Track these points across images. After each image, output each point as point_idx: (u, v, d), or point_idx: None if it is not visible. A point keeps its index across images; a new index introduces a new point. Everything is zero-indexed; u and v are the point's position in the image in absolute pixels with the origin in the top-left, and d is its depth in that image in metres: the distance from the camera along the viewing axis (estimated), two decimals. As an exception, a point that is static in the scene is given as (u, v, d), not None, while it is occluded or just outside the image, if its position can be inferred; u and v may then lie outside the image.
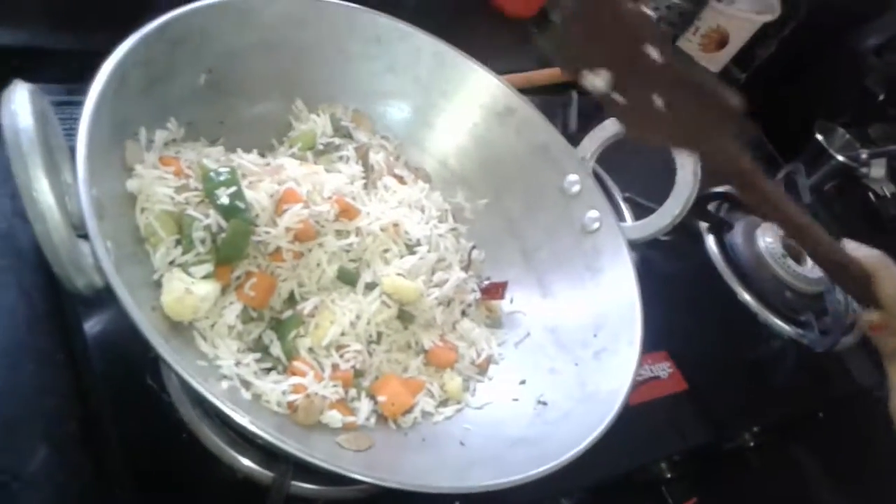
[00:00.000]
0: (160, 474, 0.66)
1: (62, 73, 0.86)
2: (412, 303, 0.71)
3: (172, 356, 0.49)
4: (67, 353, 0.70)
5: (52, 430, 0.66)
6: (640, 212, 1.13)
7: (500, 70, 1.10)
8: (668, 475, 0.96)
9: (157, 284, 0.61)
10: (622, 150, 0.98)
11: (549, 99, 1.27)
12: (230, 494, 0.68)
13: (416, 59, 0.83)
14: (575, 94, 1.26)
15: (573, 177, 0.82)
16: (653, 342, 1.02)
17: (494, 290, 0.79)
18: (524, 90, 1.23)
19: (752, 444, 1.09)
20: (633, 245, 0.80)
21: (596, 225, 0.80)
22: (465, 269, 0.78)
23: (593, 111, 1.25)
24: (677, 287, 1.15)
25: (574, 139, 1.17)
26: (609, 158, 1.01)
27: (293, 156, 0.75)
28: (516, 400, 0.72)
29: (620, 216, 1.12)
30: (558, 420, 0.68)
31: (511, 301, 0.81)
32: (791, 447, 1.14)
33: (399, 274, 0.70)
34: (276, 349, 0.65)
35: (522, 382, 0.74)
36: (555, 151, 0.83)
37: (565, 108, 1.24)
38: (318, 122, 0.77)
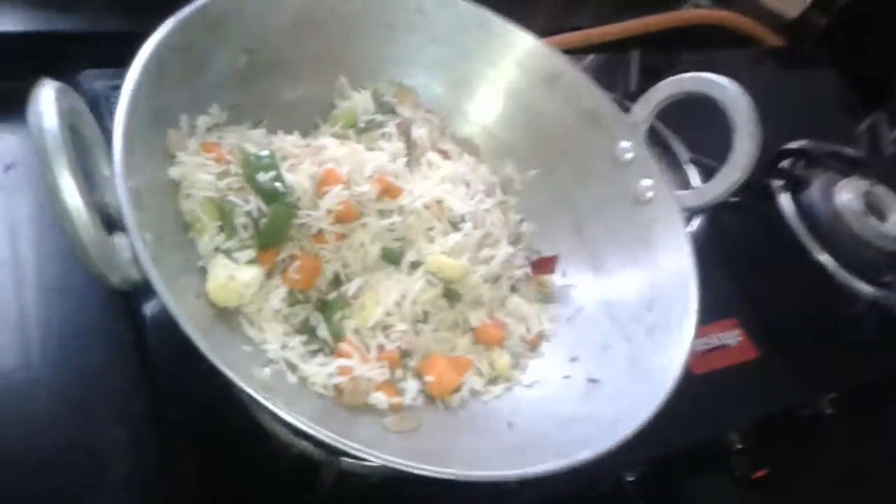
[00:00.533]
0: (218, 452, 0.67)
1: (119, 56, 0.88)
2: (458, 281, 0.70)
3: (208, 347, 0.49)
4: (135, 333, 0.73)
5: (124, 409, 0.69)
6: (709, 175, 1.09)
7: (555, 29, 1.07)
8: (738, 446, 0.93)
9: (203, 271, 0.62)
10: (690, 108, 0.94)
11: (609, 57, 1.24)
12: (286, 470, 0.69)
13: (460, 29, 0.81)
14: (636, 53, 1.21)
15: (625, 143, 0.79)
16: (721, 309, 1.00)
17: (545, 265, 0.77)
18: (583, 49, 1.21)
19: (828, 411, 1.04)
20: (698, 210, 0.76)
21: (649, 194, 0.77)
22: (514, 243, 0.76)
23: (656, 69, 1.21)
24: (749, 249, 1.11)
25: (637, 99, 1.14)
26: (675, 118, 0.98)
27: (335, 135, 0.75)
28: (567, 377, 0.70)
29: (686, 181, 1.08)
30: (610, 398, 0.66)
31: (563, 275, 0.79)
32: (872, 414, 1.08)
33: (443, 252, 0.69)
34: (322, 331, 0.65)
35: (574, 359, 0.72)
36: (605, 117, 0.80)
37: (626, 67, 1.20)
38: (358, 99, 0.76)
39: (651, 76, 1.20)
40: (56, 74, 0.82)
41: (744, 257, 1.08)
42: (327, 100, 0.79)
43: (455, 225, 0.72)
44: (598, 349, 0.72)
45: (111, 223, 0.53)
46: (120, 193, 0.52)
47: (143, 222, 0.54)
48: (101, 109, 0.81)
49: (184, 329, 0.50)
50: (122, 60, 0.87)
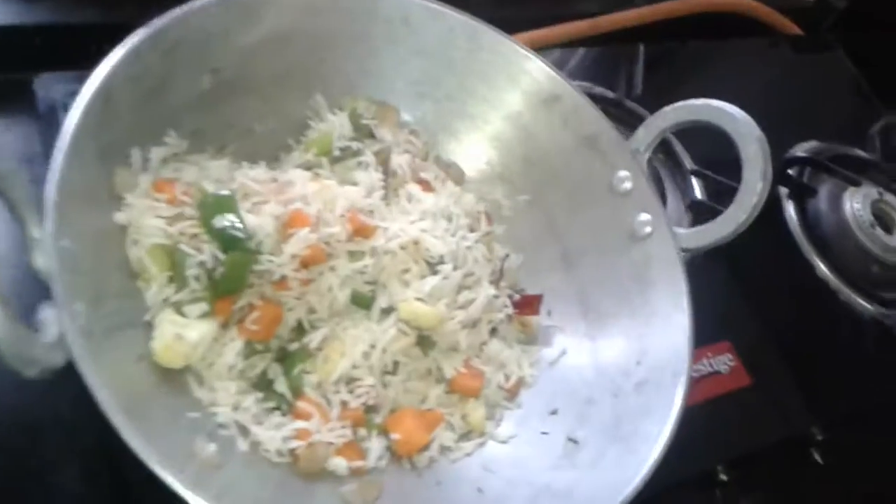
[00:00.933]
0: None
1: (85, 52, 0.82)
2: (433, 329, 0.65)
3: (139, 441, 0.45)
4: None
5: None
6: (711, 189, 1.03)
7: (559, 16, 0.99)
8: (722, 477, 0.89)
9: (149, 326, 0.57)
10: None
11: (612, 50, 1.16)
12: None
13: (450, 41, 0.75)
14: (642, 46, 1.14)
15: (624, 173, 0.73)
16: (714, 331, 0.95)
17: (529, 305, 0.72)
18: (585, 40, 1.13)
19: (819, 437, 1.00)
20: (699, 251, 0.71)
21: (647, 230, 0.71)
22: (497, 282, 0.71)
23: (663, 67, 1.14)
24: (747, 263, 1.05)
25: (640, 101, 1.07)
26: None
27: (307, 163, 0.69)
28: (545, 434, 0.66)
29: (689, 192, 1.02)
30: (588, 465, 0.62)
31: (549, 314, 0.74)
32: (866, 440, 1.04)
33: (419, 298, 0.64)
34: (280, 385, 0.61)
35: (554, 412, 0.68)
36: (604, 143, 0.74)
37: (631, 62, 1.12)
38: (334, 122, 0.70)
39: (657, 71, 1.14)
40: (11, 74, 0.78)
41: (743, 271, 1.03)
42: (301, 119, 0.73)
43: (433, 266, 0.66)
44: (581, 403, 0.67)
45: (46, 290, 0.48)
46: (49, 262, 0.47)
47: (78, 287, 0.50)
48: (58, 121, 0.75)
49: (110, 420, 0.45)
50: (84, 59, 0.82)
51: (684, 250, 0.70)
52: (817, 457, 0.98)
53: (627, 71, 1.12)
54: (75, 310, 0.48)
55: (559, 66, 1.06)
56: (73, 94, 0.74)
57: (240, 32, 0.66)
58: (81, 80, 0.77)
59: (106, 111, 0.56)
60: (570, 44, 1.12)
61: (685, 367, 0.63)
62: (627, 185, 0.73)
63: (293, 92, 0.72)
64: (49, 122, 0.75)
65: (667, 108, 0.74)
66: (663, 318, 0.68)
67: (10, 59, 0.79)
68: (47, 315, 0.48)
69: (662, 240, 0.70)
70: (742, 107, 1.11)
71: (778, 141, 1.15)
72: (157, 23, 0.59)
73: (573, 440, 0.64)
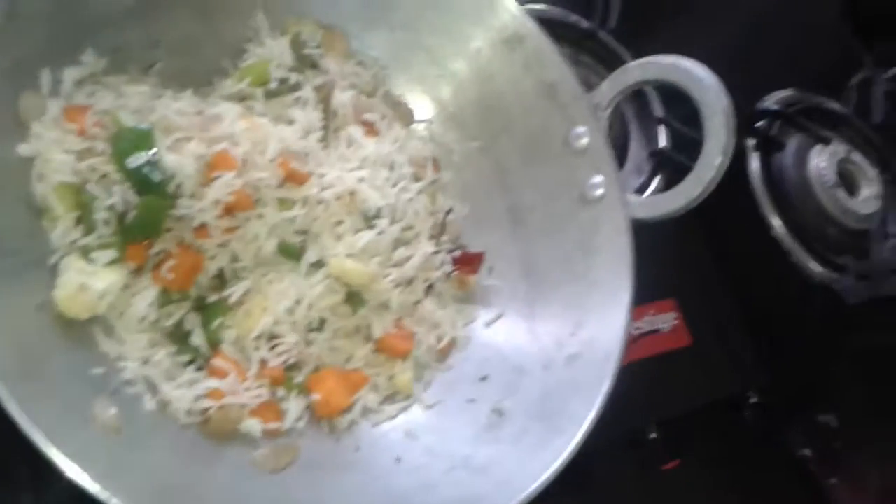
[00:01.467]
0: None
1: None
2: (364, 286, 0.62)
3: (15, 403, 0.41)
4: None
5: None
6: (677, 139, 0.99)
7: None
8: (652, 435, 0.90)
9: (54, 270, 0.53)
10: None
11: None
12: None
13: (410, -37, 0.68)
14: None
15: (581, 128, 0.69)
16: (659, 288, 0.93)
17: (469, 263, 0.69)
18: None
19: (753, 400, 1.01)
20: (649, 222, 0.68)
21: (598, 192, 0.68)
22: (437, 237, 0.67)
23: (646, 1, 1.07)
24: (701, 215, 1.02)
25: (615, 34, 1.01)
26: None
27: (240, 94, 0.63)
28: (472, 401, 0.64)
29: (653, 140, 0.98)
30: (510, 440, 0.60)
31: (490, 272, 0.71)
32: (801, 408, 1.05)
33: (350, 254, 0.60)
34: (197, 338, 0.57)
35: (484, 378, 0.66)
36: (564, 94, 0.69)
37: (607, -10, 1.05)
38: (274, 48, 0.64)
39: (637, 9, 1.07)
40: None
41: (696, 223, 1.01)
42: (238, 40, 0.67)
43: (369, 220, 0.62)
44: (512, 371, 0.66)
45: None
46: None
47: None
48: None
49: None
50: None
51: (635, 219, 0.67)
52: (748, 419, 0.99)
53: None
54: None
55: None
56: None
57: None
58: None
59: (11, 25, 0.49)
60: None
61: (618, 349, 0.61)
62: (584, 141, 0.69)
63: (231, 8, 0.65)
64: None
65: (633, 64, 0.69)
66: (604, 290, 0.65)
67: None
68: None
69: (613, 205, 0.67)
70: (719, 45, 1.06)
71: (753, 85, 1.12)
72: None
73: (498, 411, 0.63)
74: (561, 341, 0.65)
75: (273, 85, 0.63)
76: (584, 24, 1.02)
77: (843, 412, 1.05)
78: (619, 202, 0.67)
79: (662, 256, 0.80)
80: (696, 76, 0.65)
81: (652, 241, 0.68)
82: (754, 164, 1.08)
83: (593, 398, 0.59)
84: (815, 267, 1.04)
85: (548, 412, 0.61)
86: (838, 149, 1.08)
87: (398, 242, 0.64)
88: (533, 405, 0.62)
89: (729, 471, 0.95)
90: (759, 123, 1.07)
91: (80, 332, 0.53)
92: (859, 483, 1.02)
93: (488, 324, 0.69)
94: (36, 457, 0.42)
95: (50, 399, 0.46)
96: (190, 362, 0.57)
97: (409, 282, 0.65)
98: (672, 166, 0.98)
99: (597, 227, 0.68)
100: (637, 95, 1.00)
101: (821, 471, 1.03)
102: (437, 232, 0.68)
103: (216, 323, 0.58)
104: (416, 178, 0.68)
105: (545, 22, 0.97)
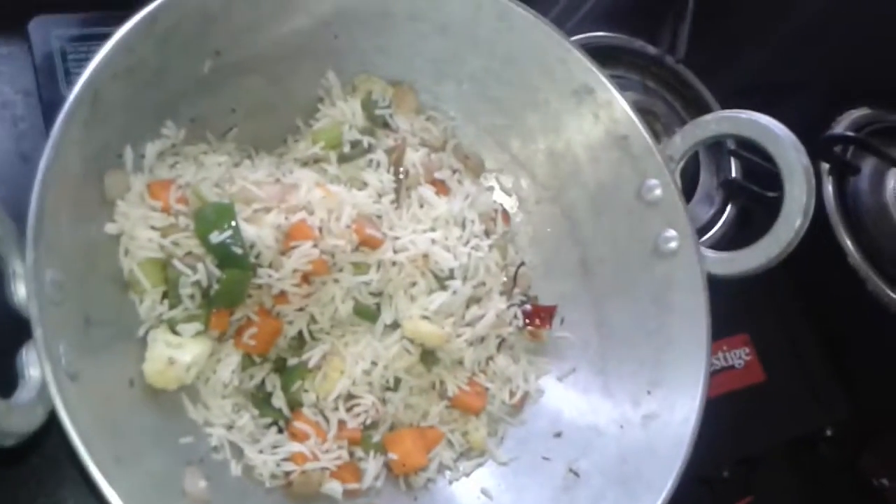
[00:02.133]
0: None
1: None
2: (438, 346, 0.62)
3: (119, 491, 0.43)
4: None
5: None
6: (746, 167, 0.97)
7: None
8: (724, 473, 0.88)
9: (143, 342, 0.55)
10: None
11: (654, 5, 1.06)
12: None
13: (476, 19, 0.68)
14: (691, 1, 1.04)
15: (653, 181, 0.68)
16: (730, 323, 0.92)
17: (541, 316, 0.69)
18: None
19: (828, 433, 0.98)
20: (726, 279, 0.67)
21: (672, 246, 0.67)
22: (509, 292, 0.67)
23: (712, 23, 1.05)
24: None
25: (684, 62, 0.99)
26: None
27: (314, 157, 0.64)
28: (547, 459, 0.64)
29: (723, 168, 0.96)
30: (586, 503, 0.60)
31: (561, 322, 0.71)
32: (876, 437, 1.03)
33: (424, 315, 0.61)
34: (278, 401, 0.59)
35: (557, 435, 0.66)
36: (636, 146, 0.68)
37: (676, 19, 1.03)
38: (345, 109, 0.65)
39: (705, 26, 1.04)
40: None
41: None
42: (310, 99, 0.68)
43: (441, 281, 0.63)
44: (587, 428, 0.65)
45: (28, 328, 0.45)
46: (31, 310, 0.44)
47: (63, 319, 0.47)
48: (55, 71, 0.70)
49: (96, 482, 0.43)
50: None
51: (710, 275, 0.66)
52: (823, 451, 0.97)
53: (672, 25, 1.03)
54: (58, 353, 0.45)
55: (582, 7, 0.98)
56: (71, 39, 0.70)
57: (244, 9, 0.59)
58: (79, 25, 0.73)
59: (94, 114, 0.51)
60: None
61: (696, 413, 0.60)
62: (656, 193, 0.68)
63: (302, 71, 0.66)
64: (45, 71, 0.70)
65: (708, 117, 0.68)
66: (680, 349, 0.64)
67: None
68: (29, 357, 0.45)
69: (688, 261, 0.66)
70: (793, 62, 1.03)
71: (826, 104, 1.08)
72: (149, 8, 0.53)
73: (574, 472, 0.63)
74: (636, 399, 0.65)
75: (346, 148, 0.64)
76: (651, 49, 1.00)
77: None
78: (695, 257, 0.66)
79: (734, 290, 0.79)
80: (774, 134, 0.64)
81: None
82: (828, 189, 1.05)
83: (672, 466, 0.59)
84: (892, 294, 1.01)
85: (625, 476, 0.61)
86: (918, 170, 1.04)
87: (471, 300, 0.64)
88: (609, 467, 0.62)
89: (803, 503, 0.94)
90: (835, 148, 1.04)
91: (169, 401, 0.55)
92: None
93: (561, 377, 0.69)
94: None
95: (143, 477, 0.47)
96: (272, 424, 0.59)
97: (482, 339, 0.65)
98: (744, 194, 0.96)
99: (671, 282, 0.67)
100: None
101: (897, 499, 1.01)
102: (509, 287, 0.68)
103: (296, 385, 0.59)
104: (487, 233, 0.68)
105: (611, 49, 0.98)
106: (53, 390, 0.43)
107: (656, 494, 0.57)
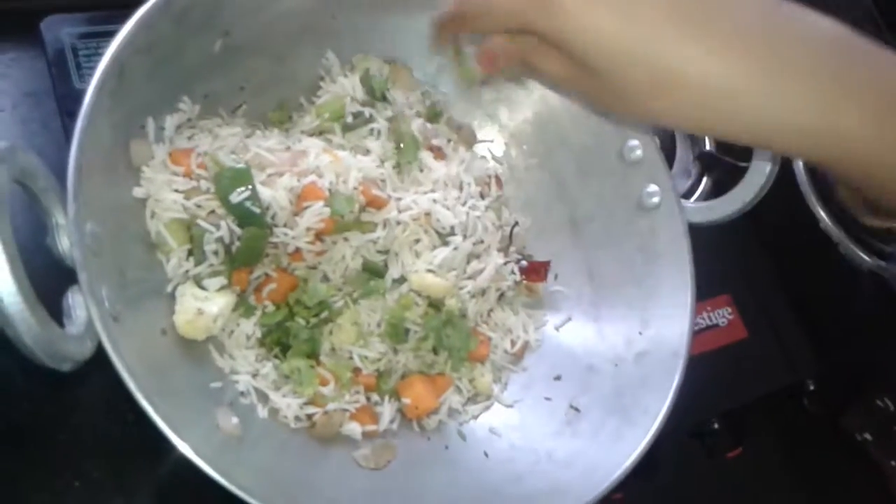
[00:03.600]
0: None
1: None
2: (443, 298, 0.67)
3: (167, 425, 0.47)
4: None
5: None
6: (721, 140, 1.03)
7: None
8: (714, 425, 0.93)
9: (171, 297, 0.59)
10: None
11: None
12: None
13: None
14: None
15: (634, 141, 0.73)
16: (714, 285, 0.97)
17: (536, 271, 0.74)
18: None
19: (811, 387, 1.03)
20: (705, 226, 0.72)
21: (655, 200, 0.72)
22: (505, 249, 0.72)
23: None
24: (751, 212, 1.06)
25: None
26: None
27: (319, 128, 0.69)
28: (549, 399, 0.69)
29: (698, 143, 1.02)
30: (589, 434, 0.65)
31: (555, 278, 0.76)
32: (858, 393, 1.08)
33: (429, 269, 0.66)
34: (297, 351, 0.63)
35: (557, 378, 0.70)
36: (616, 110, 0.73)
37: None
38: (346, 85, 0.70)
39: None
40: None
41: (744, 222, 1.04)
42: (313, 78, 0.72)
43: (443, 237, 0.67)
44: (584, 370, 0.70)
45: (70, 275, 0.49)
46: (74, 249, 0.48)
47: (102, 269, 0.51)
48: (67, 66, 0.74)
49: (142, 405, 0.47)
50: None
51: (690, 224, 0.71)
52: (807, 405, 1.02)
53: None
54: (101, 295, 0.49)
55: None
56: (80, 37, 0.75)
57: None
58: (87, 23, 0.78)
59: (120, 86, 0.55)
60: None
61: (685, 346, 0.65)
62: (638, 153, 0.73)
63: (305, 51, 0.71)
64: (58, 66, 0.74)
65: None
66: (667, 291, 0.69)
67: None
68: (75, 300, 0.50)
69: (670, 212, 0.71)
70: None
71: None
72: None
73: (575, 408, 0.67)
74: (629, 340, 0.69)
75: (348, 119, 0.69)
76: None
77: (899, 396, 1.07)
78: (675, 209, 0.71)
79: (715, 255, 0.84)
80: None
81: (704, 240, 0.72)
82: (799, 161, 1.10)
83: (665, 392, 0.63)
84: (863, 256, 1.07)
85: (622, 407, 0.66)
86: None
87: (470, 256, 0.69)
88: (607, 401, 0.67)
89: (791, 456, 0.99)
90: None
91: (198, 350, 0.59)
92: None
93: (558, 327, 0.74)
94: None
95: (182, 410, 0.51)
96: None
97: (483, 292, 0.70)
98: (719, 167, 1.01)
99: (655, 233, 0.72)
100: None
101: (880, 454, 1.06)
102: (505, 244, 0.73)
103: (314, 335, 0.63)
104: (482, 196, 0.72)
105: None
106: (99, 326, 0.47)
107: (652, 418, 0.62)
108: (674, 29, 0.44)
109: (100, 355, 0.48)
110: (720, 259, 0.97)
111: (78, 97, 0.52)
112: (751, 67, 0.43)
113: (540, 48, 0.49)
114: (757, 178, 0.69)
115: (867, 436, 1.07)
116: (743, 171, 0.82)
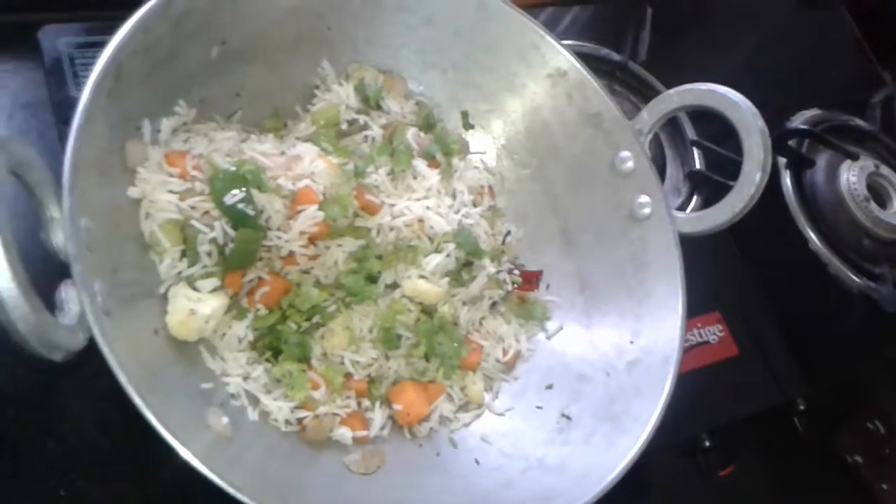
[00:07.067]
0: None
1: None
2: (435, 305, 0.67)
3: (154, 415, 0.47)
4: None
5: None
6: (711, 159, 1.04)
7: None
8: (706, 443, 0.93)
9: (164, 298, 0.59)
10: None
11: (619, 8, 1.15)
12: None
13: (458, 10, 0.74)
14: (650, 10, 1.12)
15: (625, 153, 0.74)
16: (706, 301, 0.97)
17: (528, 281, 0.74)
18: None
19: (801, 407, 1.03)
20: (696, 236, 0.73)
21: (646, 211, 0.73)
22: (498, 258, 0.73)
23: (671, 33, 1.13)
24: (742, 233, 1.07)
25: (646, 65, 1.07)
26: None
27: (315, 134, 0.69)
28: (540, 408, 0.69)
29: (688, 162, 1.03)
30: (580, 441, 0.65)
31: (547, 287, 0.76)
32: (848, 415, 1.08)
33: (422, 276, 0.66)
34: (288, 354, 0.63)
35: (549, 387, 0.70)
36: (608, 122, 0.75)
37: (637, 26, 1.11)
38: (340, 93, 0.70)
39: (665, 41, 1.13)
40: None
41: (737, 240, 1.05)
42: (308, 86, 0.73)
43: (436, 244, 0.67)
44: (575, 379, 0.70)
45: (63, 270, 0.49)
46: (68, 243, 0.48)
47: (96, 264, 0.51)
48: (63, 75, 0.75)
49: (133, 399, 0.47)
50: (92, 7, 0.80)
51: (681, 234, 0.71)
52: (798, 425, 1.02)
53: (634, 33, 1.11)
54: (94, 289, 0.49)
55: (562, 23, 1.06)
56: (77, 46, 0.75)
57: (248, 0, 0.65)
58: (84, 33, 0.78)
59: (117, 86, 0.55)
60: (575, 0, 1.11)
61: (676, 353, 0.65)
62: (629, 165, 0.74)
63: (300, 59, 0.72)
64: (55, 75, 0.75)
65: (671, 92, 0.75)
66: (658, 300, 0.70)
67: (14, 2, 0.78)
68: (68, 294, 0.49)
69: (661, 223, 0.72)
70: (743, 71, 1.12)
71: (780, 106, 1.17)
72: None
73: (566, 416, 0.67)
74: (621, 349, 0.70)
75: (343, 126, 0.69)
76: (616, 56, 1.08)
77: (889, 419, 1.07)
78: (666, 219, 0.72)
79: (705, 272, 0.85)
80: (732, 101, 0.71)
81: (694, 258, 0.72)
82: (787, 181, 1.12)
83: (656, 399, 0.63)
84: (853, 277, 1.08)
85: (613, 414, 0.66)
86: (867, 163, 1.13)
87: (463, 264, 0.69)
88: (599, 409, 0.67)
89: (783, 476, 0.98)
90: (790, 142, 1.12)
91: (190, 351, 0.59)
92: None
93: (550, 336, 0.74)
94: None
95: (174, 408, 0.51)
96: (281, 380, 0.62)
97: (475, 300, 0.70)
98: (709, 185, 1.03)
99: (646, 243, 0.72)
100: (670, 121, 1.05)
101: (871, 476, 1.06)
102: (498, 253, 0.73)
103: (304, 340, 0.63)
104: (475, 205, 0.73)
105: (579, 56, 1.05)
106: (91, 319, 0.47)
107: (643, 425, 0.62)
108: None
109: (89, 364, 0.48)
110: (710, 278, 0.98)
111: (74, 106, 0.52)
112: None
113: None
114: (747, 188, 0.69)
115: (858, 458, 1.07)
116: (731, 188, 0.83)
